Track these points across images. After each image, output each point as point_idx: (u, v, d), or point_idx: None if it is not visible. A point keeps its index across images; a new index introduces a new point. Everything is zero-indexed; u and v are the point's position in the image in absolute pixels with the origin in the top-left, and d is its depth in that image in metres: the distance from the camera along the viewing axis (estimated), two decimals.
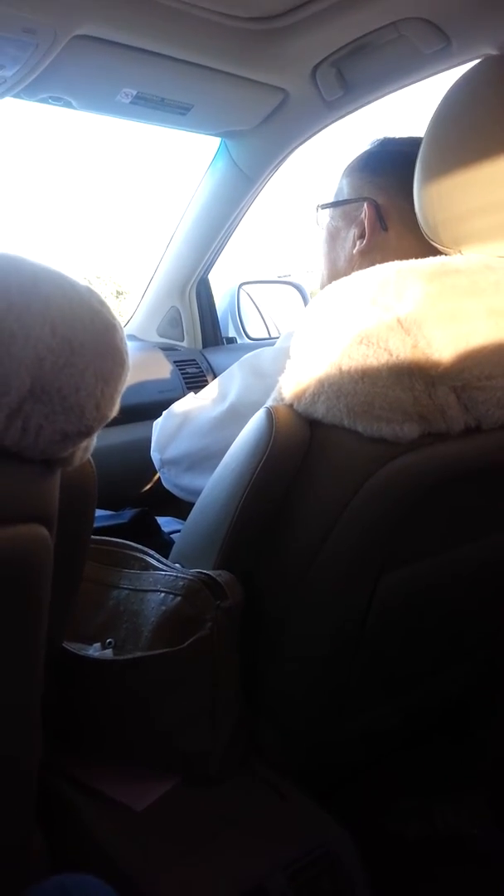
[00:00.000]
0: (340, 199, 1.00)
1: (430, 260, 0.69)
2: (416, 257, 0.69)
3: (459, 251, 0.75)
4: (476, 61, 0.78)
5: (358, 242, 0.96)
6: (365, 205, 0.95)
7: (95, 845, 0.69)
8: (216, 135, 1.51)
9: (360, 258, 0.96)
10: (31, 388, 0.41)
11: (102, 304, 0.45)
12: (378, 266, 0.67)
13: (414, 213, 0.89)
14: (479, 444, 0.68)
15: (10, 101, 1.13)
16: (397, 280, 0.65)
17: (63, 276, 0.44)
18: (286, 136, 1.46)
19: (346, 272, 0.97)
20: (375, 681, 0.82)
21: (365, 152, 1.01)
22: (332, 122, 1.40)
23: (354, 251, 0.97)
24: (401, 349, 0.62)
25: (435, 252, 0.75)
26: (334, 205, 1.01)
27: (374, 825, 0.85)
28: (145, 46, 1.08)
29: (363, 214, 0.96)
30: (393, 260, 0.69)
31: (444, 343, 0.63)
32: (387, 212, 0.95)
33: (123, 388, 0.47)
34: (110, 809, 0.70)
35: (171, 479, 1.05)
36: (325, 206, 1.02)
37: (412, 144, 0.96)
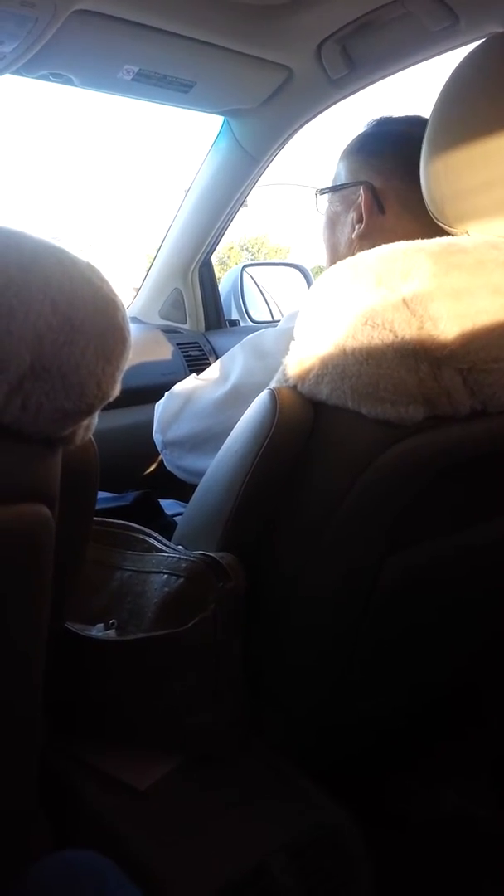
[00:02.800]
0: (338, 183, 1.00)
1: (436, 240, 0.68)
2: (416, 239, 0.68)
3: (465, 230, 0.74)
4: (482, 39, 0.77)
5: (357, 227, 0.96)
6: (361, 188, 0.95)
7: (98, 824, 0.69)
8: (219, 113, 1.49)
9: (360, 242, 0.96)
10: (31, 366, 0.41)
11: (103, 280, 0.44)
12: (383, 246, 0.66)
13: (411, 194, 0.89)
14: (484, 427, 0.67)
15: (9, 77, 1.12)
16: (403, 260, 0.64)
17: (64, 251, 0.43)
18: (290, 114, 1.44)
19: (345, 255, 0.96)
20: (379, 664, 0.82)
21: (361, 134, 1.00)
22: (338, 100, 1.38)
23: (353, 235, 0.97)
24: (406, 330, 0.62)
25: (435, 233, 0.74)
26: (332, 189, 1.00)
27: (377, 806, 0.86)
28: (147, 22, 1.07)
29: (360, 198, 0.95)
30: (395, 241, 0.68)
31: (450, 324, 0.62)
32: (384, 194, 0.94)
33: (125, 366, 0.46)
34: (113, 789, 0.70)
35: (173, 461, 1.05)
36: (323, 192, 1.02)
37: (408, 123, 0.95)
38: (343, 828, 0.70)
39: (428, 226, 0.86)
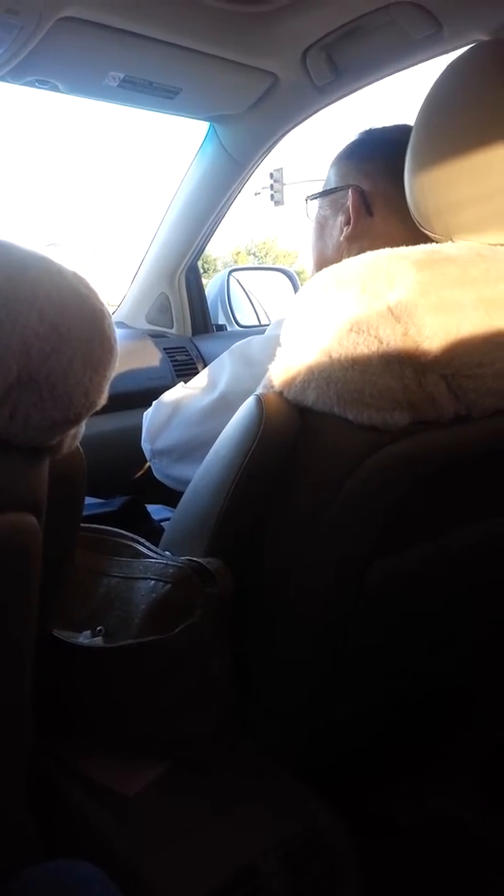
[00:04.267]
0: (328, 188, 1.00)
1: (421, 247, 0.69)
2: (404, 243, 0.69)
3: (451, 239, 0.75)
4: (467, 47, 0.77)
5: (345, 229, 0.97)
6: (350, 191, 0.95)
7: (88, 830, 0.69)
8: (205, 119, 1.50)
9: (348, 245, 0.97)
10: (19, 376, 0.41)
11: (90, 289, 0.45)
12: (368, 253, 0.67)
13: (399, 198, 0.90)
14: (468, 432, 0.68)
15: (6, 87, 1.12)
16: (388, 267, 0.64)
17: (51, 261, 0.43)
18: (276, 120, 1.45)
19: (335, 260, 0.97)
20: (367, 665, 0.82)
21: (351, 142, 1.01)
22: (323, 107, 1.39)
23: (341, 238, 0.98)
24: (391, 337, 0.62)
25: (423, 237, 0.75)
26: (322, 194, 1.01)
27: (366, 807, 0.86)
28: (133, 29, 1.07)
29: (348, 201, 0.96)
30: (380, 245, 0.69)
31: (434, 331, 0.63)
32: (372, 197, 0.95)
33: (112, 374, 0.46)
34: (102, 794, 0.70)
35: (162, 470, 1.05)
36: (313, 197, 1.03)
37: (397, 131, 0.97)
38: (332, 831, 0.70)
39: (415, 229, 0.87)
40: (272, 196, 16.23)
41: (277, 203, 16.33)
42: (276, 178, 16.03)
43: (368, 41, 1.17)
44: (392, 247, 0.67)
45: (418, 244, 0.69)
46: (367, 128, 1.02)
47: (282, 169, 15.98)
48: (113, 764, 0.73)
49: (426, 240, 0.71)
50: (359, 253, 0.68)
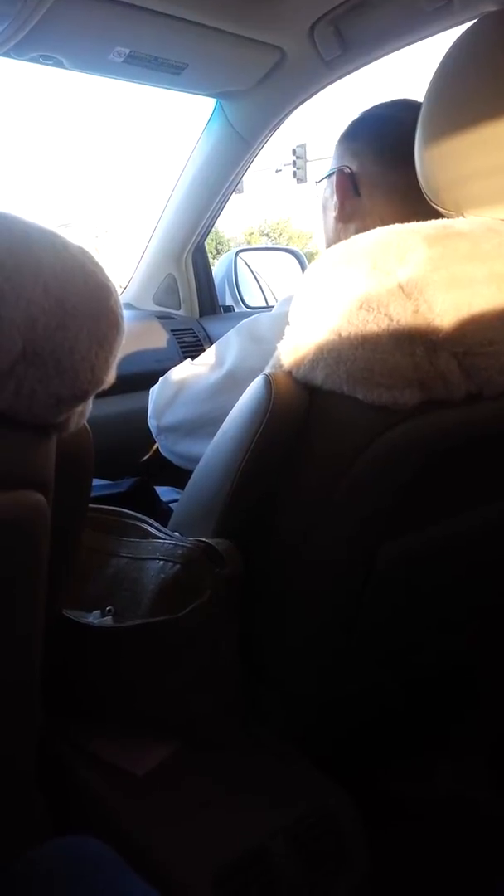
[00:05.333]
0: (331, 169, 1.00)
1: (432, 222, 0.68)
2: (392, 221, 0.68)
3: (461, 214, 0.74)
4: (476, 19, 0.75)
5: (337, 210, 0.96)
6: (336, 172, 0.96)
7: (97, 809, 0.69)
8: (211, 95, 1.48)
9: (344, 226, 0.97)
10: (24, 350, 0.40)
11: (96, 264, 0.44)
12: (378, 229, 0.66)
13: (381, 178, 0.91)
14: (480, 411, 0.67)
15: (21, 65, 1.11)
16: (399, 243, 0.63)
17: (56, 235, 0.43)
18: (284, 96, 1.43)
19: (334, 241, 0.97)
20: (376, 645, 0.82)
21: (350, 121, 1.00)
22: (331, 82, 1.37)
23: (333, 218, 0.98)
24: (402, 314, 0.61)
25: (410, 214, 0.74)
26: (326, 177, 1.01)
27: (375, 787, 0.86)
28: (138, 3, 1.06)
29: (335, 182, 0.96)
30: (372, 225, 0.68)
31: (445, 308, 0.62)
32: (359, 177, 0.95)
33: (119, 351, 0.46)
34: (112, 774, 0.71)
35: (168, 446, 1.05)
36: (319, 181, 1.02)
37: (393, 107, 0.96)
38: (341, 811, 0.70)
39: (399, 208, 0.87)
40: (294, 173, 16.00)
41: (300, 180, 16.08)
42: (299, 155, 15.76)
43: (377, 14, 1.15)
44: (382, 226, 0.66)
45: (409, 222, 0.68)
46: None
47: (305, 145, 15.69)
48: (123, 743, 0.74)
49: (416, 217, 0.70)
50: (355, 233, 0.67)
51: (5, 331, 0.40)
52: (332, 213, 0.98)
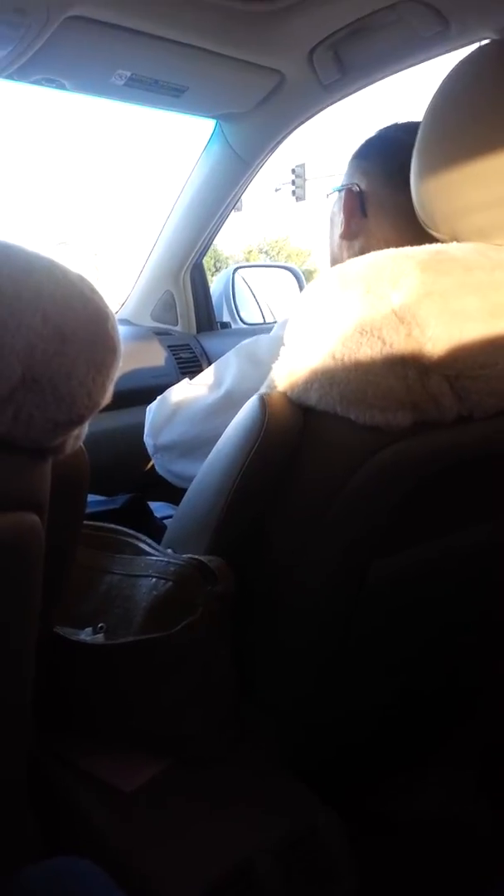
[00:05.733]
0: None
1: (426, 247, 0.69)
2: (395, 244, 0.68)
3: (456, 240, 0.75)
4: (475, 46, 0.76)
5: (342, 228, 0.97)
6: (345, 190, 0.97)
7: (87, 826, 0.69)
8: (211, 117, 1.50)
9: (348, 244, 0.98)
10: (23, 377, 0.41)
11: (94, 291, 0.45)
12: (373, 253, 0.67)
13: (388, 199, 0.92)
14: (471, 433, 0.68)
15: (10, 85, 1.12)
16: (392, 267, 0.64)
17: (55, 263, 0.43)
18: (283, 118, 1.45)
19: (337, 257, 0.99)
20: (366, 664, 0.82)
21: (365, 140, 1.01)
22: (329, 104, 1.39)
23: (338, 236, 0.99)
24: (395, 338, 0.62)
25: (412, 238, 0.74)
26: (337, 190, 1.02)
27: (363, 805, 0.86)
28: (140, 28, 1.07)
29: (343, 199, 0.97)
30: (375, 245, 0.69)
31: (438, 332, 0.63)
32: (368, 197, 0.96)
33: (115, 376, 0.47)
34: (101, 791, 0.71)
35: (164, 466, 1.05)
36: (329, 194, 1.04)
37: (398, 129, 0.98)
38: (329, 829, 0.70)
39: (403, 231, 0.88)
40: (294, 192, 16.09)
41: (299, 199, 16.17)
42: (298, 174, 15.85)
43: (375, 39, 1.17)
44: (385, 247, 0.67)
45: (412, 245, 0.69)
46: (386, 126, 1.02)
47: (304, 164, 15.78)
48: (112, 760, 0.74)
49: (419, 241, 0.70)
50: (359, 252, 0.69)
51: (5, 357, 0.40)
52: (338, 230, 0.99)
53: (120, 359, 0.46)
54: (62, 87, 1.19)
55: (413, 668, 0.88)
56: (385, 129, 1.00)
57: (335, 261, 1.00)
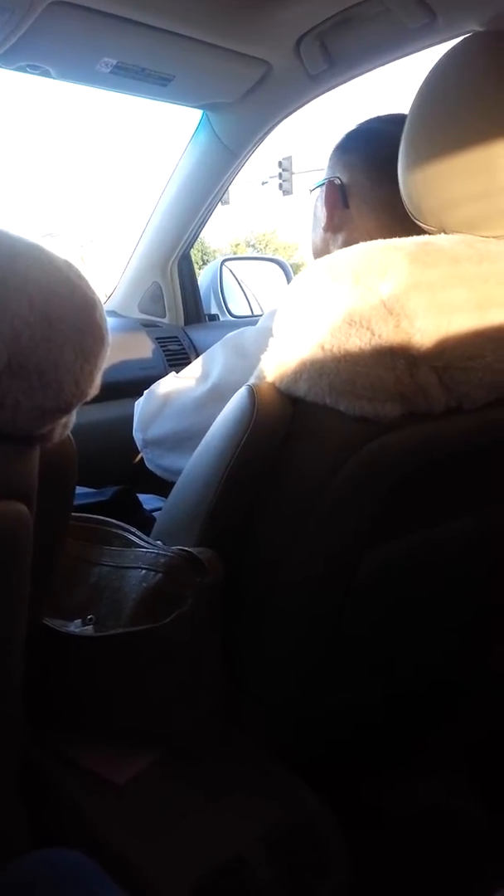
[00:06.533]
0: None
1: (414, 239, 0.69)
2: (379, 235, 0.68)
3: (444, 231, 0.75)
4: (461, 38, 0.76)
5: (326, 220, 0.97)
6: (326, 183, 0.97)
7: (77, 818, 0.69)
8: (198, 107, 1.49)
9: (332, 236, 0.98)
10: (9, 363, 0.41)
11: (81, 278, 0.44)
12: (362, 244, 0.67)
13: (370, 192, 0.92)
14: (460, 424, 0.68)
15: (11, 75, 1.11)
16: (380, 258, 0.64)
17: (42, 249, 0.43)
18: (270, 109, 1.44)
19: (322, 251, 0.99)
20: (357, 657, 0.83)
21: (346, 133, 1.01)
22: (317, 95, 1.39)
23: (322, 228, 0.99)
24: (383, 329, 0.62)
25: (396, 229, 0.74)
26: (318, 186, 1.02)
27: (355, 798, 0.87)
28: (126, 15, 1.06)
29: (325, 192, 0.97)
30: (359, 237, 0.69)
31: (426, 323, 0.63)
32: (349, 189, 0.96)
33: (103, 364, 0.46)
34: (92, 783, 0.71)
35: (153, 460, 1.05)
36: (312, 189, 1.03)
37: (381, 120, 0.98)
38: (321, 820, 0.70)
39: (387, 223, 0.88)
40: (280, 185, 16.01)
41: (286, 192, 16.09)
42: (285, 167, 15.77)
43: (362, 30, 1.17)
44: (369, 239, 0.67)
45: (394, 237, 0.69)
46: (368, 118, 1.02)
47: (291, 157, 15.69)
48: (103, 753, 0.74)
49: (402, 232, 0.70)
50: (343, 245, 0.69)
51: None
52: (321, 223, 0.99)
53: (108, 347, 0.46)
54: (47, 74, 1.18)
55: (403, 662, 0.89)
56: (366, 121, 1.01)
57: (318, 254, 1.00)
